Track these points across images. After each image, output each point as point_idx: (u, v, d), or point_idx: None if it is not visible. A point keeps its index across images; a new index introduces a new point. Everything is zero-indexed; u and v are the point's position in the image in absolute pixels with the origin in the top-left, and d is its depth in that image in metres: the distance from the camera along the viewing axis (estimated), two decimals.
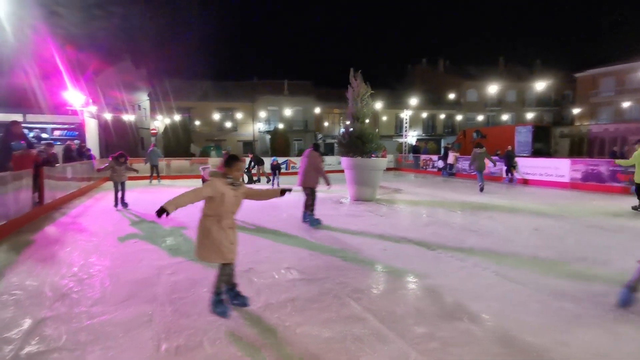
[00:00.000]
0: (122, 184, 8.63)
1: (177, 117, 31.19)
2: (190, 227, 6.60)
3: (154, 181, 15.46)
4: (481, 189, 11.48)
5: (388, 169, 18.08)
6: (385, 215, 7.83)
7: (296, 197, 10.80)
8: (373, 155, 10.33)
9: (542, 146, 22.51)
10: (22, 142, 7.54)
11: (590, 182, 12.08)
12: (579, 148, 34.34)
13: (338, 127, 38.11)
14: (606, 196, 10.66)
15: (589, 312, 3.21)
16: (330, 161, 21.96)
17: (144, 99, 34.48)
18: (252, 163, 14.60)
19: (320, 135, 39.03)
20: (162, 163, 17.14)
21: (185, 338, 2.77)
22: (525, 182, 14.41)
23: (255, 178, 14.72)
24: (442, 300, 3.49)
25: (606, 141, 32.08)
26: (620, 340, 2.77)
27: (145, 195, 11.43)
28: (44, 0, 16.24)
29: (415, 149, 27.07)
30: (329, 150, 35.55)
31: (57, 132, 15.63)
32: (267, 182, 14.33)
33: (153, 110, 35.02)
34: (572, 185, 12.57)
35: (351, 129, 10.12)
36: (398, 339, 2.76)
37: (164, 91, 34.67)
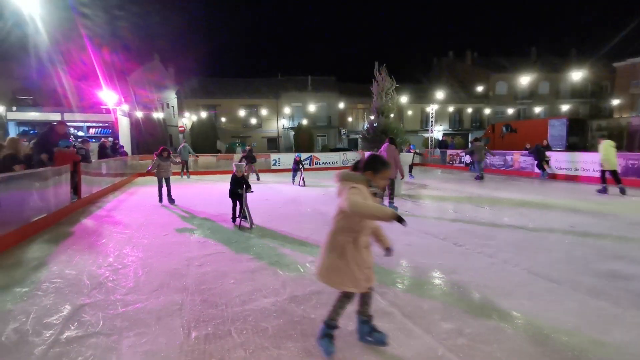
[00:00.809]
0: (167, 179, 8.64)
1: (204, 114, 31.94)
2: (217, 220, 6.77)
3: (184, 176, 16.02)
4: (477, 178, 13.33)
5: (414, 164, 17.77)
6: (410, 211, 7.72)
7: (319, 192, 10.85)
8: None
9: (578, 140, 21.46)
10: (69, 140, 8.11)
11: (630, 178, 11.43)
12: (618, 142, 32.46)
13: (362, 122, 37.86)
14: None
15: (627, 312, 3.05)
16: (353, 157, 21.87)
17: (172, 97, 35.49)
18: (245, 160, 14.41)
19: (344, 131, 38.90)
20: (190, 159, 17.61)
21: (213, 327, 2.85)
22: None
23: (246, 174, 14.49)
24: (470, 296, 3.41)
25: None
26: None
27: (175, 190, 11.76)
28: (77, 2, 16.97)
29: (441, 144, 26.47)
30: (353, 146, 35.36)
31: (92, 130, 16.38)
32: (257, 179, 14.22)
33: (181, 107, 36.03)
34: (610, 181, 11.91)
35: (375, 124, 10.03)
36: (425, 334, 2.73)
37: (191, 89, 35.64)
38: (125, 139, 17.64)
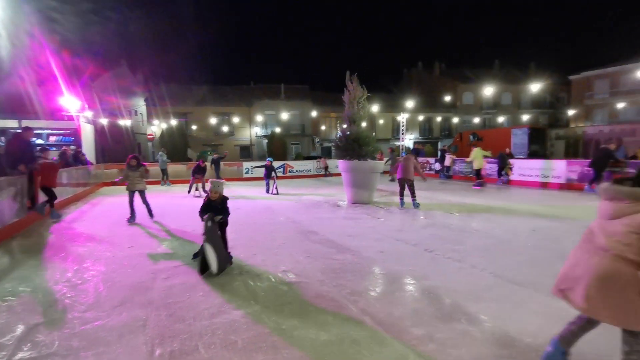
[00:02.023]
0: (141, 193, 7.62)
1: (174, 122, 31.18)
2: (186, 231, 6.55)
3: (164, 184, 16.15)
4: (391, 180, 15.47)
5: (385, 172, 18.07)
6: (382, 218, 7.81)
7: (292, 200, 10.79)
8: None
9: (538, 148, 22.61)
10: (53, 158, 7.80)
11: (586, 183, 12.11)
12: (574, 149, 34.53)
13: (335, 130, 38.20)
14: None
15: None
16: (320, 165, 21.95)
17: (140, 104, 34.42)
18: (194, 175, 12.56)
19: (317, 139, 39.08)
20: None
21: (179, 343, 2.73)
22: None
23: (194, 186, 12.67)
24: (440, 301, 3.47)
25: (601, 142, 32.28)
26: None
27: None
28: (40, 5, 16.22)
29: (416, 152, 27.02)
30: (327, 154, 35.57)
31: (52, 138, 15.55)
32: (192, 190, 12.48)
33: (150, 115, 34.97)
34: (569, 186, 12.62)
35: (348, 132, 10.10)
36: (396, 341, 2.74)
37: (160, 96, 34.74)
38: (89, 147, 16.83)
